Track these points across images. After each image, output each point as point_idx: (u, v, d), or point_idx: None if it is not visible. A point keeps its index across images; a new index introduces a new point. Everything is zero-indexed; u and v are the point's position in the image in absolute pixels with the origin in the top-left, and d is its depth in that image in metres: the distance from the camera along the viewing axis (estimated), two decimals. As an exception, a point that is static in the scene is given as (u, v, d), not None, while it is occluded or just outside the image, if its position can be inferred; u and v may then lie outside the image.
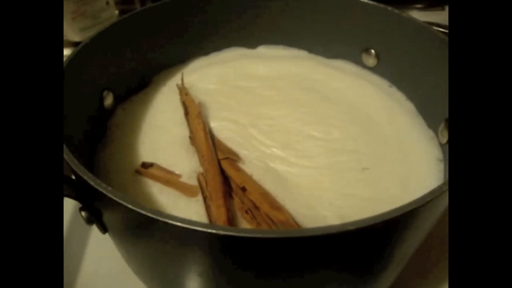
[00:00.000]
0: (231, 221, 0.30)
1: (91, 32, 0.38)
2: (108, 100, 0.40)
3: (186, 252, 0.24)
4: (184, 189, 0.34)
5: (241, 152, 0.36)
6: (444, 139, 0.37)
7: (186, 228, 0.20)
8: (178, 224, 0.20)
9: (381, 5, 0.42)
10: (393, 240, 0.25)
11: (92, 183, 0.23)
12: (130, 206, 0.21)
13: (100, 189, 0.22)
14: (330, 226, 0.20)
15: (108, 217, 0.26)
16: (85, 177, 0.23)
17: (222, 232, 0.20)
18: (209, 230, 0.20)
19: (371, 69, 0.47)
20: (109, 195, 0.22)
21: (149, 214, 0.21)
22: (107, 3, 0.69)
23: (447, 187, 0.23)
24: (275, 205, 0.31)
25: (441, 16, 0.70)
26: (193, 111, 0.39)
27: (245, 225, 0.31)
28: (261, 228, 0.30)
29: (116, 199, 0.22)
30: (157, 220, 0.21)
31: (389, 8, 0.42)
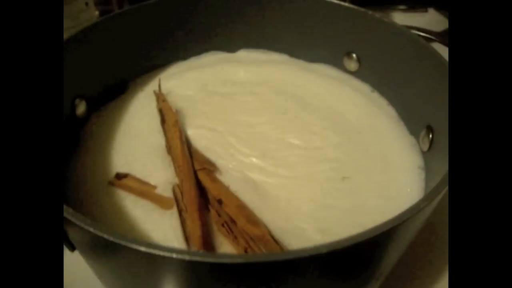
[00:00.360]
0: (206, 236, 0.29)
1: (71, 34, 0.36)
2: (81, 108, 0.39)
3: (154, 275, 0.23)
4: (159, 201, 0.33)
5: (219, 161, 0.35)
6: (425, 146, 0.36)
7: (152, 254, 0.19)
8: (141, 249, 0.19)
9: (362, 9, 0.42)
10: (370, 258, 0.24)
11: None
12: (91, 230, 0.20)
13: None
14: (302, 249, 0.19)
15: (73, 236, 0.25)
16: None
17: (187, 258, 0.19)
18: (174, 256, 0.19)
19: (353, 73, 0.46)
20: (69, 217, 0.21)
21: (111, 239, 0.20)
22: (86, 3, 0.67)
23: (425, 203, 0.22)
24: (252, 219, 0.30)
25: (424, 18, 0.70)
26: (170, 119, 0.38)
27: (221, 239, 0.30)
28: (235, 246, 0.29)
29: (78, 223, 0.20)
30: (119, 244, 0.20)
31: (370, 12, 0.41)
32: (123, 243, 0.19)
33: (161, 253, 0.19)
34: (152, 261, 0.20)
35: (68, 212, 0.21)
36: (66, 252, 0.38)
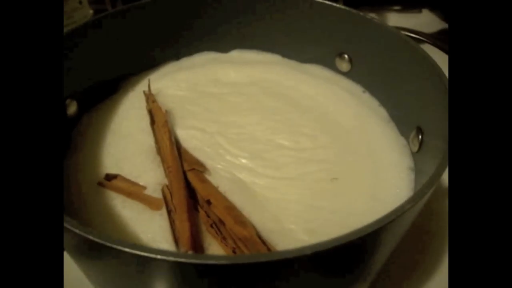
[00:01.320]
0: (195, 237, 0.29)
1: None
2: (72, 109, 0.39)
3: (141, 277, 0.23)
4: (148, 202, 0.33)
5: (208, 162, 0.35)
6: (415, 147, 0.36)
7: (135, 255, 0.19)
8: (126, 250, 0.19)
9: (354, 10, 0.42)
10: (356, 259, 0.24)
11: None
12: (76, 230, 0.20)
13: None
14: (287, 251, 0.19)
15: (61, 237, 0.25)
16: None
17: (172, 259, 0.19)
18: (159, 257, 0.19)
19: (345, 74, 0.46)
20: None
21: (98, 240, 0.20)
22: (80, 2, 0.66)
23: (410, 205, 0.23)
24: (240, 220, 0.30)
25: (418, 19, 0.70)
26: (159, 120, 0.38)
27: (210, 240, 0.31)
28: (223, 247, 0.29)
29: (66, 225, 0.20)
30: (104, 245, 0.20)
31: (361, 13, 0.41)
32: (108, 244, 0.20)
33: (145, 254, 0.19)
34: (138, 262, 0.21)
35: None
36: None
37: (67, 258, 0.34)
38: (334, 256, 0.21)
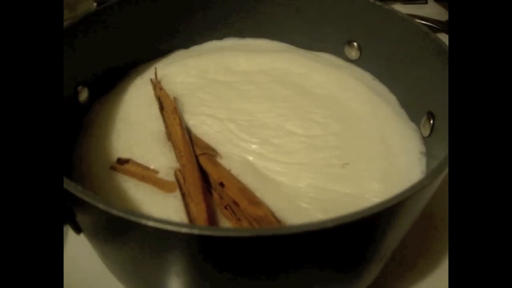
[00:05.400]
0: (211, 217, 0.30)
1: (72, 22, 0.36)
2: (83, 95, 0.39)
3: (163, 253, 0.23)
4: (161, 185, 0.33)
5: (219, 148, 0.35)
6: (426, 132, 0.36)
7: (161, 229, 0.20)
8: (152, 224, 0.20)
9: (363, -2, 0.42)
10: (374, 235, 0.24)
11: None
12: (101, 206, 0.20)
13: (70, 189, 0.21)
14: (310, 223, 0.20)
15: (81, 217, 0.25)
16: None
17: (197, 232, 0.19)
18: (184, 230, 0.19)
19: (354, 61, 0.46)
20: (79, 195, 0.21)
21: (121, 215, 0.20)
22: (84, -5, 0.67)
23: (428, 181, 0.23)
24: (254, 200, 0.30)
25: (424, 10, 0.70)
26: (168, 106, 0.38)
27: (224, 221, 0.31)
28: (238, 227, 0.29)
29: (87, 200, 0.21)
30: (130, 221, 0.20)
31: (371, 0, 0.41)
32: (132, 218, 0.20)
33: (171, 228, 0.19)
34: (161, 237, 0.21)
35: (77, 190, 0.21)
36: (69, 239, 0.38)
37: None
38: (354, 231, 0.22)
